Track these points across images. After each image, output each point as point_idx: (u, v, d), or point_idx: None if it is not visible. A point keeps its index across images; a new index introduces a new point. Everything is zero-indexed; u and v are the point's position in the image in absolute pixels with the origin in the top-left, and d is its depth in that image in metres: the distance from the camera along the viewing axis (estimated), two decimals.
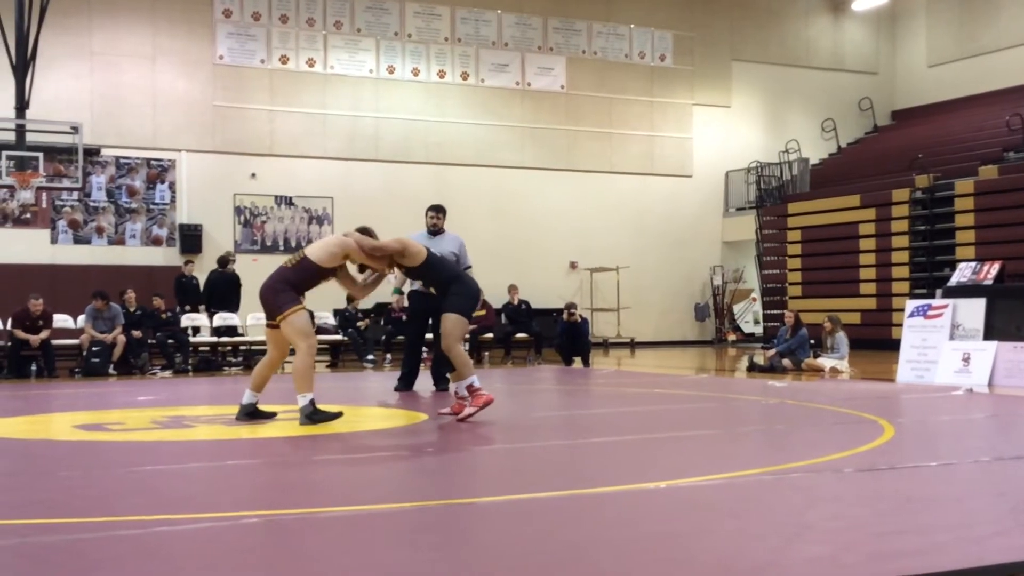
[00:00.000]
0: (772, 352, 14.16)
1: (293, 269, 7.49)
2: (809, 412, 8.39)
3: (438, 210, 10.28)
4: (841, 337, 13.85)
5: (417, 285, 9.85)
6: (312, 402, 7.28)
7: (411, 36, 22.42)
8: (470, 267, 10.14)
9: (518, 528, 4.00)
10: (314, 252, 7.53)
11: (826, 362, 13.58)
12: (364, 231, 7.70)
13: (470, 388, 7.63)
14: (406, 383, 10.51)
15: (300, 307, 7.40)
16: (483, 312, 17.28)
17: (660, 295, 24.32)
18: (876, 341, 18.53)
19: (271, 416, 7.67)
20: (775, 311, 22.37)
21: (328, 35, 21.71)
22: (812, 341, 14.26)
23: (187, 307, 16.59)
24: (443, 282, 7.90)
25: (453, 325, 7.72)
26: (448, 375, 8.35)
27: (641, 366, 16.74)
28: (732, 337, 24.31)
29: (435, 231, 10.14)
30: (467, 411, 7.60)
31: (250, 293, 17.03)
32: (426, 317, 10.45)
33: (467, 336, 16.97)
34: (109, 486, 5.06)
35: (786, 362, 13.73)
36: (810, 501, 4.50)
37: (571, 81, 23.79)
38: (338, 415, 7.38)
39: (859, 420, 7.57)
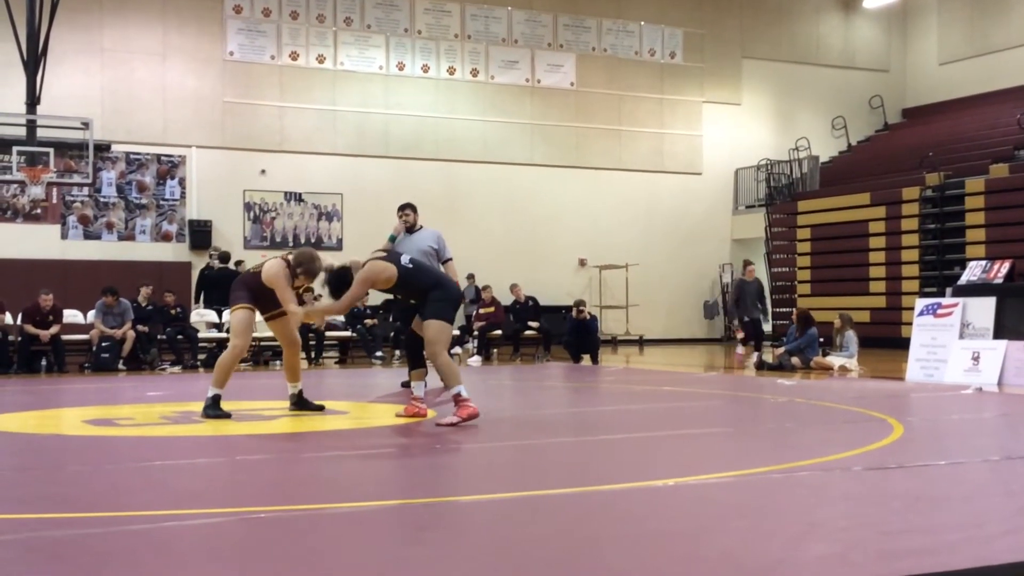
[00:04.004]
0: (781, 350, 14.13)
1: (253, 276, 7.85)
2: (818, 410, 8.38)
3: (408, 208, 10.24)
4: (850, 335, 13.80)
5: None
6: (216, 398, 7.59)
7: (421, 33, 22.42)
8: (451, 259, 10.13)
9: (526, 524, 4.00)
10: (265, 271, 7.69)
11: (835, 360, 13.54)
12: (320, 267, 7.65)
13: (457, 398, 7.18)
14: None
15: (245, 307, 7.75)
16: (491, 309, 17.28)
17: (669, 292, 24.28)
18: (885, 340, 18.46)
19: (319, 408, 8.05)
20: (784, 309, 22.32)
21: (338, 31, 21.72)
22: (821, 339, 14.22)
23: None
24: (423, 290, 7.45)
25: (437, 332, 7.24)
26: (409, 374, 7.96)
27: (650, 364, 16.72)
28: (741, 335, 24.20)
29: (411, 229, 10.15)
30: (449, 419, 7.15)
31: None
32: None
33: (475, 333, 17.00)
34: (118, 481, 5.07)
35: (795, 360, 13.70)
36: (819, 499, 4.50)
37: (581, 78, 23.76)
38: (228, 415, 7.54)
39: (868, 419, 7.55)
